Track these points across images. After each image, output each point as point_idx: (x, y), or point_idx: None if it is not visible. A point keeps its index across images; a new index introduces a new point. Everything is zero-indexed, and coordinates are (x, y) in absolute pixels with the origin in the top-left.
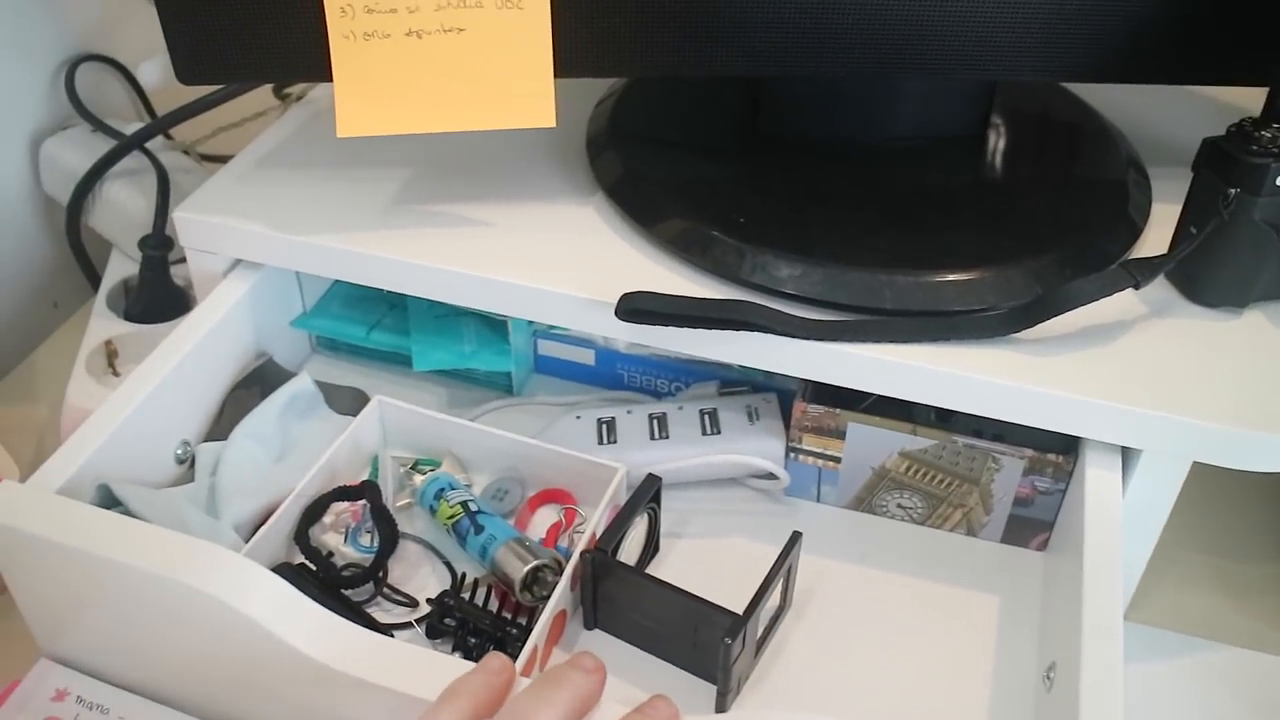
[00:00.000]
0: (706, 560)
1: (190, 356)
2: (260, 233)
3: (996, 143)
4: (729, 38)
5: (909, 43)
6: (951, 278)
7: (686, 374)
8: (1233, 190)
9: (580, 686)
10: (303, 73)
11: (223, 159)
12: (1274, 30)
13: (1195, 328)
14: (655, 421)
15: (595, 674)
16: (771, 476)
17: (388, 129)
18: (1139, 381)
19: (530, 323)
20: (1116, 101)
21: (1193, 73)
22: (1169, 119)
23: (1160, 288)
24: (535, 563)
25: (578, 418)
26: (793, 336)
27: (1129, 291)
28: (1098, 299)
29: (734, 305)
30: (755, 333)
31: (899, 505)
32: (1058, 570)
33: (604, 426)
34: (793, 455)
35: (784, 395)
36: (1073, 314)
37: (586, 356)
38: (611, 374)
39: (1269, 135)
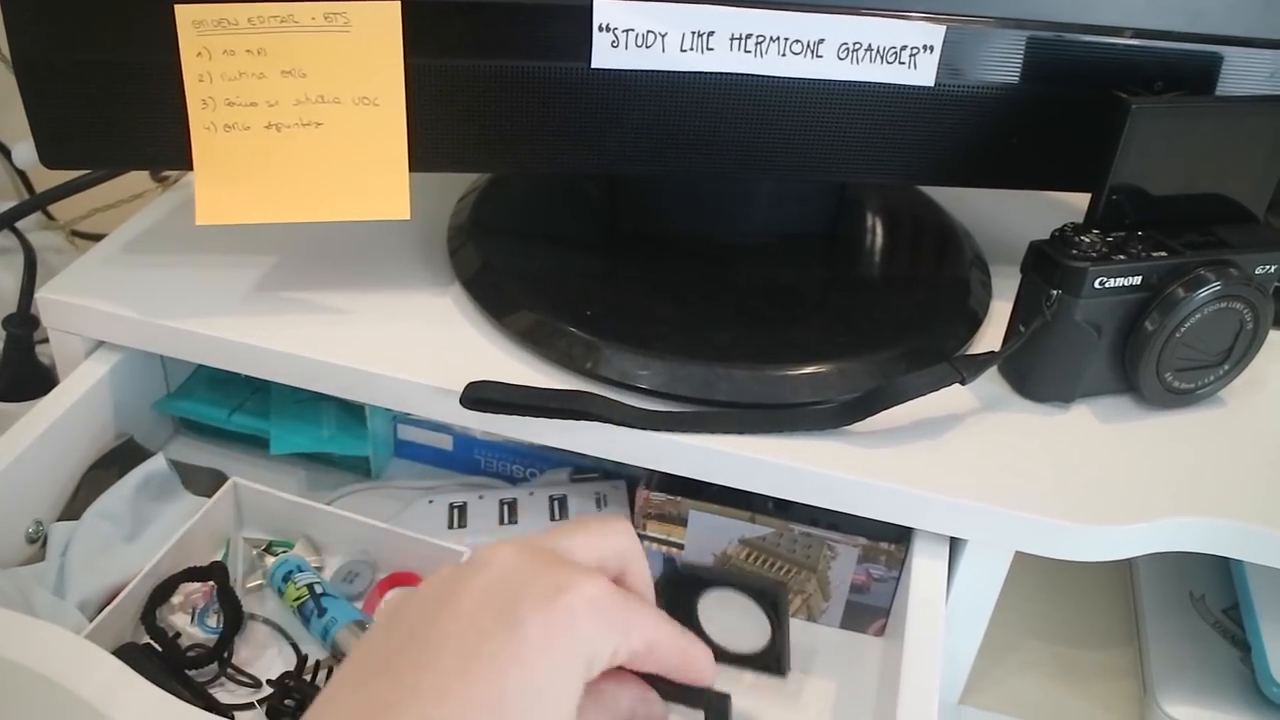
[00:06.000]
0: None
1: (46, 436)
2: (122, 315)
3: (846, 240)
4: (580, 138)
5: (757, 148)
6: (788, 372)
7: (541, 460)
8: (1055, 291)
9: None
10: (165, 161)
11: (99, 238)
12: (1093, 146)
13: (1023, 422)
14: (506, 507)
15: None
16: None
17: (246, 218)
18: (966, 474)
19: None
20: (965, 201)
21: (1025, 179)
22: (1015, 219)
23: (993, 382)
24: None
25: (430, 502)
26: (629, 427)
27: (964, 387)
28: (926, 393)
29: (573, 395)
30: (594, 422)
31: None
32: (889, 655)
33: (455, 511)
34: None
35: (634, 482)
36: (908, 408)
37: (445, 442)
38: (469, 459)
39: (1088, 240)
